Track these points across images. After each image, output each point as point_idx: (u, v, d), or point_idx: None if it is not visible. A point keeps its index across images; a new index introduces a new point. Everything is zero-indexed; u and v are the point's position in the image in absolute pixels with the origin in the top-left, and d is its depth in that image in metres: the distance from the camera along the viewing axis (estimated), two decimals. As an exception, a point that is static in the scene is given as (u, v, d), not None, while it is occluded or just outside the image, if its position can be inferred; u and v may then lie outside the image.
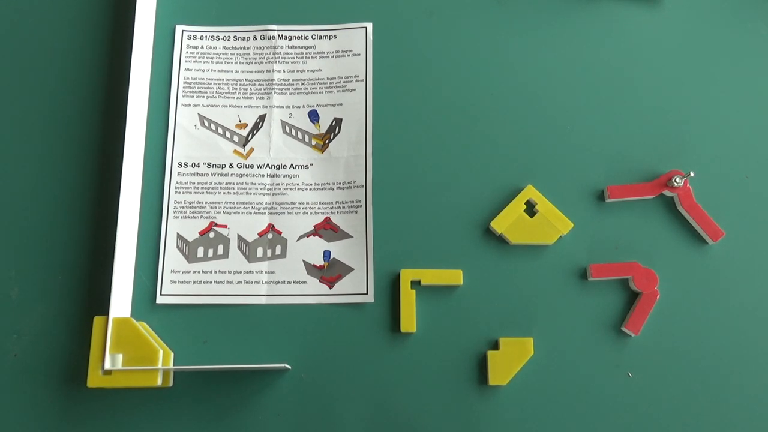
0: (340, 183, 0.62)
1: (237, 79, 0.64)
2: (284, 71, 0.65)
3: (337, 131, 0.63)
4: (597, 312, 0.58)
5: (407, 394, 0.56)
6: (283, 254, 0.60)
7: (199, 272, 0.59)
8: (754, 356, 0.57)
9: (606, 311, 0.58)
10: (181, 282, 0.59)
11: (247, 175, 0.62)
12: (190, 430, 0.56)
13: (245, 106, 0.64)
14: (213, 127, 0.63)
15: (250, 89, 0.64)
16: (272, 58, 0.65)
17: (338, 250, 0.60)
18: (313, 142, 0.63)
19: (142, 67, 0.62)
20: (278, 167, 0.62)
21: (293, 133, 0.63)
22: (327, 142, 0.63)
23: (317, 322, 0.58)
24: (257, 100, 0.64)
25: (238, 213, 0.61)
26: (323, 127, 0.63)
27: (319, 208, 0.61)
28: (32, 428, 0.56)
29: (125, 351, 0.54)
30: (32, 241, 0.59)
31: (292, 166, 0.62)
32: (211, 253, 0.60)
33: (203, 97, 0.64)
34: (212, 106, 0.64)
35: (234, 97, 0.64)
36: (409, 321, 0.57)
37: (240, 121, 0.63)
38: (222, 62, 0.65)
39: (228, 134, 0.63)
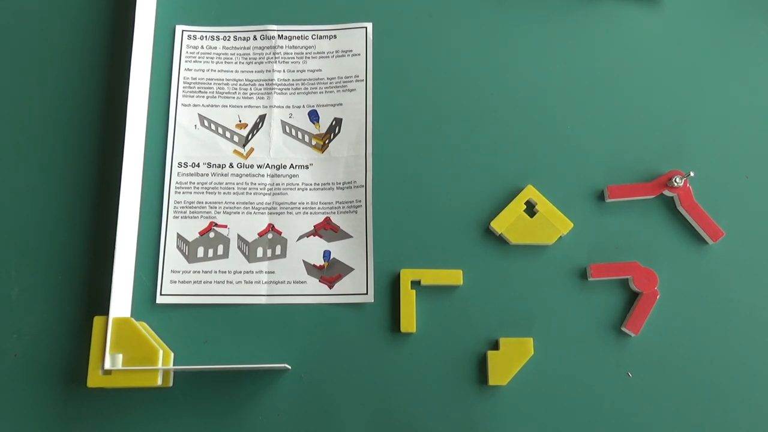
0: (340, 183, 0.62)
1: (237, 79, 0.64)
2: (284, 71, 0.65)
3: (337, 131, 0.63)
4: (597, 312, 0.58)
5: (407, 394, 0.56)
6: (283, 254, 0.60)
7: (199, 272, 0.59)
8: (754, 356, 0.57)
9: (606, 311, 0.58)
10: (181, 282, 0.59)
11: (247, 175, 0.62)
12: (190, 430, 0.56)
13: (245, 106, 0.64)
14: (213, 127, 0.63)
15: (250, 89, 0.64)
16: (272, 58, 0.65)
17: (338, 250, 0.60)
18: (313, 142, 0.63)
19: (142, 67, 0.62)
20: (278, 167, 0.62)
21: (293, 133, 0.63)
22: (327, 142, 0.63)
23: (317, 322, 0.58)
24: (257, 100, 0.64)
25: (238, 213, 0.61)
26: (323, 127, 0.63)
27: (319, 208, 0.61)
28: (32, 428, 0.56)
29: (125, 351, 0.54)
30: (32, 241, 0.59)
31: (292, 166, 0.62)
32: (211, 253, 0.60)
33: (203, 97, 0.64)
34: (212, 106, 0.64)
35: (234, 97, 0.64)
36: (409, 321, 0.57)
37: (240, 121, 0.63)
38: (222, 62, 0.65)
39: (228, 134, 0.63)
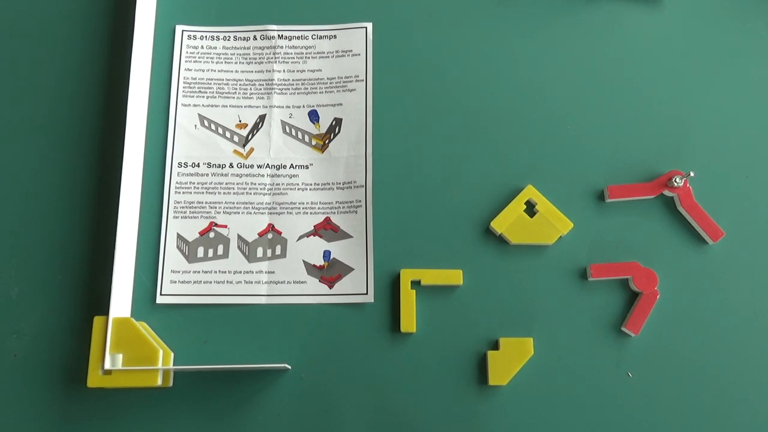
0: (340, 183, 0.62)
1: (237, 79, 0.64)
2: (284, 71, 0.65)
3: (337, 131, 0.63)
4: (597, 312, 0.58)
5: (407, 394, 0.56)
6: (283, 254, 0.60)
7: (199, 272, 0.59)
8: (754, 356, 0.57)
9: (606, 311, 0.58)
10: (181, 282, 0.59)
11: (247, 175, 0.62)
12: (190, 430, 0.56)
13: (245, 106, 0.64)
14: (213, 127, 0.63)
15: (250, 89, 0.64)
16: (272, 58, 0.65)
17: (338, 250, 0.60)
18: (313, 142, 0.63)
19: (142, 67, 0.62)
20: (278, 167, 0.62)
21: (293, 133, 0.63)
22: (327, 142, 0.63)
23: (317, 322, 0.58)
24: (257, 100, 0.64)
25: (238, 213, 0.61)
26: (323, 127, 0.63)
27: (319, 208, 0.61)
28: (32, 428, 0.56)
29: (125, 351, 0.54)
30: (32, 241, 0.59)
31: (292, 166, 0.62)
32: (211, 253, 0.60)
33: (203, 97, 0.64)
34: (212, 106, 0.64)
35: (234, 97, 0.64)
36: (409, 321, 0.57)
37: (240, 121, 0.63)
38: (222, 62, 0.65)
39: (228, 134, 0.63)
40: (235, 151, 0.63)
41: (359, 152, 0.62)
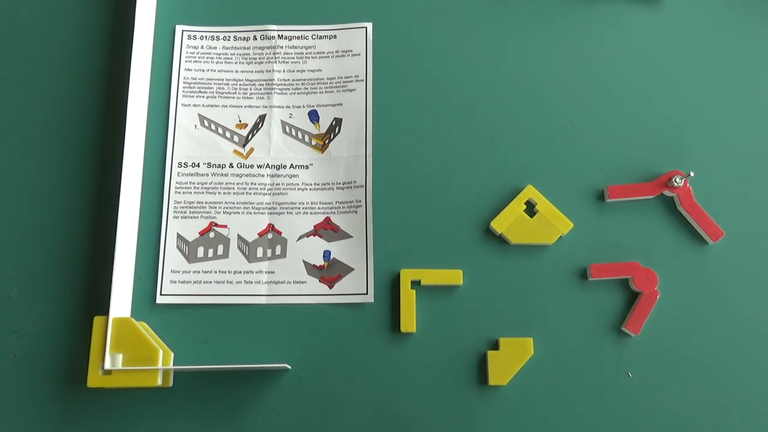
0: (340, 183, 0.62)
1: (237, 79, 0.64)
2: (284, 71, 0.65)
3: (337, 131, 0.63)
4: (597, 312, 0.58)
5: (407, 394, 0.56)
6: (283, 254, 0.60)
7: (199, 272, 0.59)
8: (754, 356, 0.57)
9: (606, 311, 0.58)
10: (181, 282, 0.59)
11: (247, 175, 0.62)
12: (190, 430, 0.56)
13: (245, 106, 0.64)
14: (213, 127, 0.63)
15: (250, 89, 0.64)
16: (272, 58, 0.65)
17: (338, 250, 0.60)
18: (313, 142, 0.63)
19: (142, 67, 0.62)
20: (278, 167, 0.62)
21: (293, 133, 0.63)
22: (327, 142, 0.63)
23: (317, 322, 0.58)
24: (257, 100, 0.64)
25: (238, 213, 0.61)
26: (323, 127, 0.63)
27: (319, 208, 0.61)
28: (32, 428, 0.56)
29: (125, 351, 0.54)
30: (32, 241, 0.59)
31: (292, 166, 0.62)
32: (211, 253, 0.60)
33: (203, 97, 0.64)
34: (212, 106, 0.64)
35: (234, 97, 0.64)
36: (409, 321, 0.57)
37: (240, 121, 0.63)
38: (222, 62, 0.65)
39: (228, 134, 0.63)
40: (235, 151, 0.63)
41: (359, 152, 0.62)
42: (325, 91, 0.64)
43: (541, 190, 0.60)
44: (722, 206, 0.61)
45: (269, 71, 0.65)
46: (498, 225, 0.59)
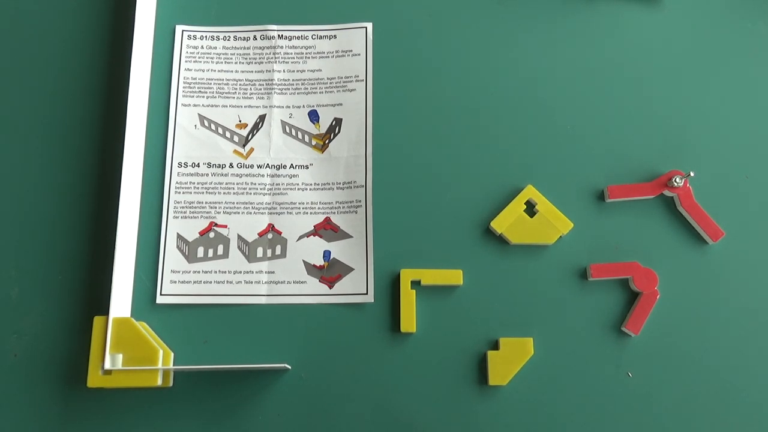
0: (340, 183, 0.62)
1: (237, 79, 0.64)
2: (284, 71, 0.65)
3: (337, 131, 0.63)
4: (597, 312, 0.58)
5: (407, 394, 0.56)
6: (283, 254, 0.60)
7: (199, 272, 0.59)
8: (754, 356, 0.57)
9: (606, 311, 0.58)
10: (181, 282, 0.59)
11: (247, 175, 0.62)
12: (190, 430, 0.56)
13: (245, 106, 0.64)
14: (213, 127, 0.63)
15: (250, 89, 0.64)
16: (272, 58, 0.65)
17: (338, 250, 0.60)
18: (313, 142, 0.63)
19: (142, 67, 0.62)
20: (278, 167, 0.62)
21: (293, 133, 0.63)
22: (327, 142, 0.63)
23: (317, 322, 0.58)
24: (257, 100, 0.64)
25: (238, 213, 0.61)
26: (323, 127, 0.63)
27: (319, 208, 0.61)
28: (32, 428, 0.56)
29: (125, 351, 0.54)
30: (32, 241, 0.59)
31: (292, 166, 0.62)
32: (211, 253, 0.60)
33: (203, 97, 0.64)
34: (212, 106, 0.64)
35: (234, 97, 0.64)
36: (409, 321, 0.57)
37: (240, 121, 0.63)
38: (222, 62, 0.65)
39: (228, 134, 0.63)
40: (235, 151, 0.63)
41: (359, 152, 0.62)
42: (325, 91, 0.64)
43: (541, 190, 0.60)
44: (722, 206, 0.61)
45: (269, 71, 0.65)
46: (498, 225, 0.59)
